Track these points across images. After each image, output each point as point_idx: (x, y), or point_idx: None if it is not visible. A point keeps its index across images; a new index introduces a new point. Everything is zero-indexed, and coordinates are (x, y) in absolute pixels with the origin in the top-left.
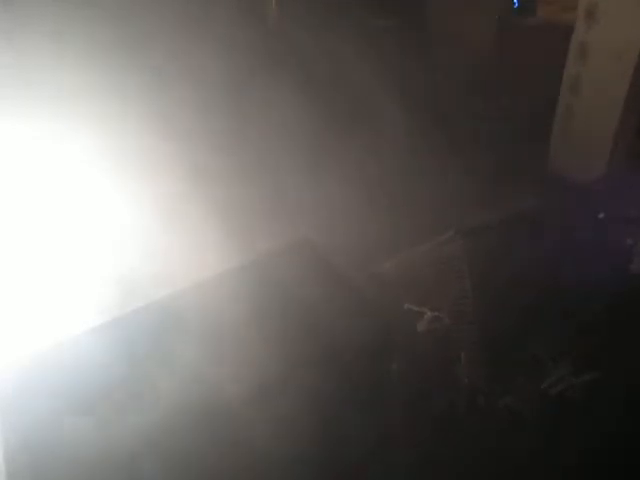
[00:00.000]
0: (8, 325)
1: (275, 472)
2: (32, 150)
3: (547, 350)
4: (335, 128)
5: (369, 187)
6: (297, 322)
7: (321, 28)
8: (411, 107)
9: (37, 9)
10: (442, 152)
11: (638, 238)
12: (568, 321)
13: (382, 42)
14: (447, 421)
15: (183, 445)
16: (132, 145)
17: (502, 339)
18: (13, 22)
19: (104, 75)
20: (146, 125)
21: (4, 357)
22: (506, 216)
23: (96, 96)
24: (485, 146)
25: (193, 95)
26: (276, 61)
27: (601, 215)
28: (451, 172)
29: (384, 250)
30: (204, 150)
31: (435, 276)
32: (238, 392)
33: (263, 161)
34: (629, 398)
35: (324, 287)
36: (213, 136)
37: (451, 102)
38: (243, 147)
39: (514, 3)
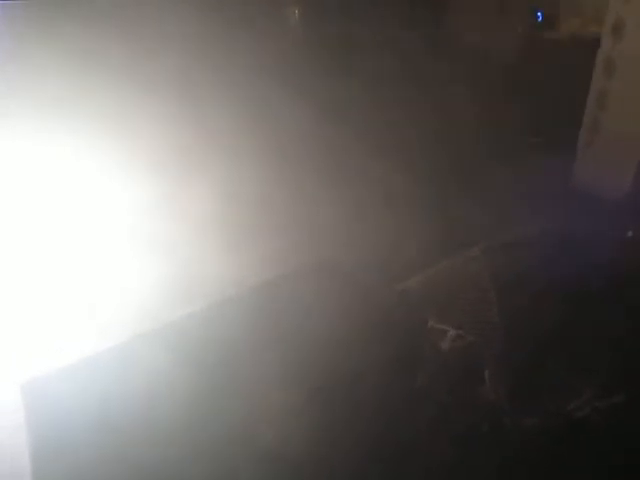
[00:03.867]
0: (39, 336)
1: None
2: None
3: (573, 371)
4: (358, 142)
5: (393, 203)
6: (320, 339)
7: (343, 40)
8: (435, 121)
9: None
10: (467, 167)
11: None
12: (596, 341)
13: (405, 54)
14: (471, 440)
15: (212, 461)
16: (155, 161)
17: (527, 358)
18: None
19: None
20: (168, 141)
21: (35, 368)
22: (531, 233)
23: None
24: (510, 161)
25: (211, 108)
26: (299, 73)
27: (630, 232)
28: (476, 187)
29: (408, 267)
30: (225, 165)
31: (460, 293)
32: (261, 411)
33: (285, 176)
34: None
35: (346, 304)
36: (233, 151)
37: (475, 115)
38: (264, 161)
39: (537, 17)
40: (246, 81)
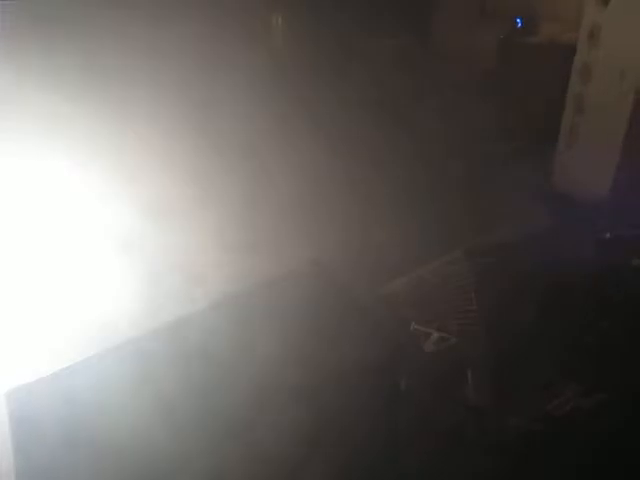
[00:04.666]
0: (24, 343)
1: None
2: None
3: (555, 370)
4: (342, 148)
5: (377, 207)
6: (305, 342)
7: (327, 47)
8: (415, 124)
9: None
10: (447, 170)
11: None
12: (576, 340)
13: (385, 61)
14: (454, 441)
15: (198, 466)
16: (139, 162)
17: (510, 359)
18: None
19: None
20: (155, 148)
21: (18, 377)
22: (512, 235)
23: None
24: (489, 165)
25: (198, 119)
26: (283, 88)
27: (607, 235)
28: (456, 191)
29: (392, 269)
30: (211, 170)
31: (443, 296)
32: (245, 414)
33: (271, 182)
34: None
35: (332, 307)
36: (219, 156)
37: (452, 120)
38: (250, 168)
39: (517, 22)
40: (230, 86)
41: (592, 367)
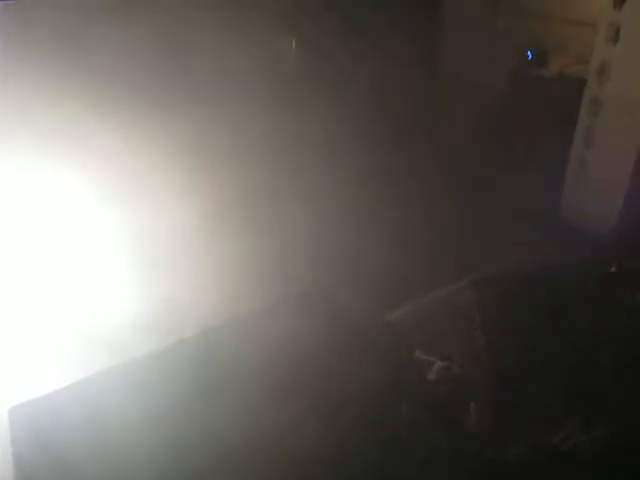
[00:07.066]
0: (25, 362)
1: None
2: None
3: (559, 403)
4: (347, 175)
5: (382, 235)
6: (307, 370)
7: (339, 72)
8: (423, 154)
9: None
10: (454, 200)
11: None
12: (581, 374)
13: (395, 89)
14: (455, 471)
15: None
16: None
17: (513, 390)
18: None
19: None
20: (158, 165)
21: (20, 395)
22: (519, 266)
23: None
24: (498, 195)
25: (205, 133)
26: (295, 102)
27: (612, 268)
28: (464, 220)
29: (396, 297)
30: (215, 190)
31: (447, 325)
32: (248, 441)
33: (275, 207)
34: None
35: (335, 333)
36: (224, 176)
37: (464, 150)
38: (255, 191)
39: (527, 55)
40: (241, 110)
41: (594, 400)
